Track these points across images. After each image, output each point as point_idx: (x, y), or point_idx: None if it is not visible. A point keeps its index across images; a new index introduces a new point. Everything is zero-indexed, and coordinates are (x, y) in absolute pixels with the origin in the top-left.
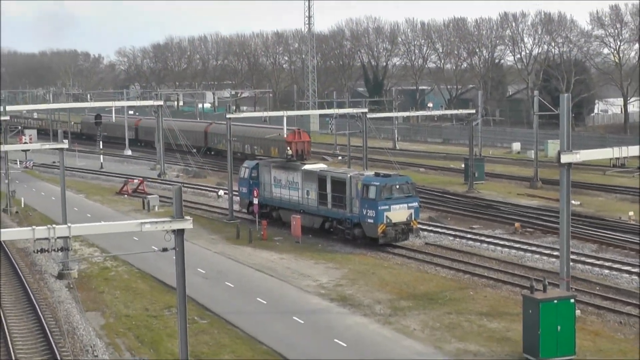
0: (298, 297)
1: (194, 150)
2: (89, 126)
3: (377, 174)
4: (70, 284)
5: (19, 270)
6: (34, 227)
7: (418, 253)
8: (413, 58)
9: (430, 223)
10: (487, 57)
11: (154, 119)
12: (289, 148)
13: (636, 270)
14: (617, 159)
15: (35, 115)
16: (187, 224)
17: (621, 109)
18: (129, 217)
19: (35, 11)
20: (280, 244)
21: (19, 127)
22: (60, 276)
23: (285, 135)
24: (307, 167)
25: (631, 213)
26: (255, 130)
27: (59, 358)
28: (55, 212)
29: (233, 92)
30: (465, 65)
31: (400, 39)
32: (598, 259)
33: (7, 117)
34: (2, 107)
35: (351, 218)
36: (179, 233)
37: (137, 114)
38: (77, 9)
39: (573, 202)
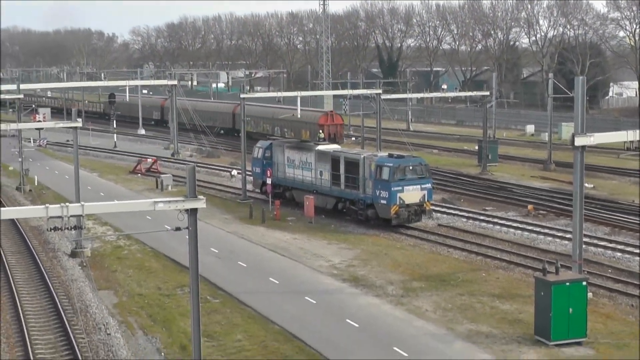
0: (310, 277)
1: (222, 132)
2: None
3: (390, 155)
4: (83, 262)
5: (32, 248)
6: (47, 205)
7: (431, 234)
8: (428, 39)
9: (443, 204)
10: (502, 39)
11: (181, 99)
12: (321, 131)
13: None
14: (632, 142)
15: (49, 93)
16: (200, 204)
17: (636, 92)
18: (142, 196)
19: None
20: (293, 224)
21: (33, 106)
22: (73, 254)
23: (298, 116)
24: (320, 147)
25: None
26: (286, 112)
27: (71, 336)
28: (68, 191)
29: (247, 72)
30: (479, 47)
31: (415, 20)
32: (610, 241)
33: (21, 96)
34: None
35: (364, 199)
36: (192, 212)
37: (150, 93)
38: None
39: (586, 184)
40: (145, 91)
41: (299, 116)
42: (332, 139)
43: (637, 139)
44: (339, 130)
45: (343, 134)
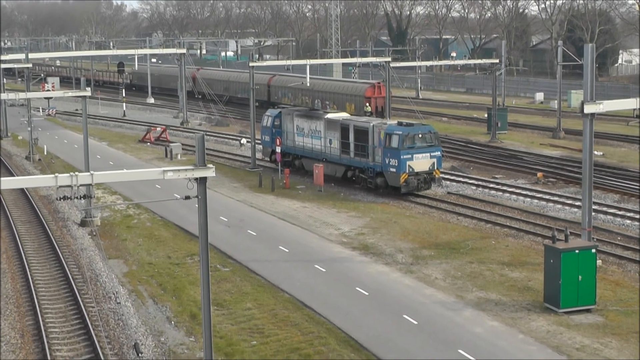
0: (320, 246)
1: (257, 104)
2: (140, 77)
3: (400, 123)
4: (93, 231)
5: (41, 218)
6: (56, 174)
7: (440, 202)
8: (437, 7)
9: (453, 172)
10: (511, 6)
11: (214, 69)
12: (367, 104)
13: None
14: None
15: (58, 62)
16: (209, 172)
17: None
18: (151, 165)
19: None
20: (303, 192)
21: (42, 75)
22: (83, 224)
23: (307, 84)
24: (329, 115)
25: None
26: (328, 84)
27: (81, 305)
28: (77, 160)
29: (256, 41)
30: (489, 14)
31: None
32: (620, 209)
33: (30, 65)
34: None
35: (374, 167)
36: (202, 181)
37: (159, 62)
38: None
39: (596, 152)
40: (154, 60)
41: (307, 84)
42: (380, 113)
43: None
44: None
45: (390, 107)
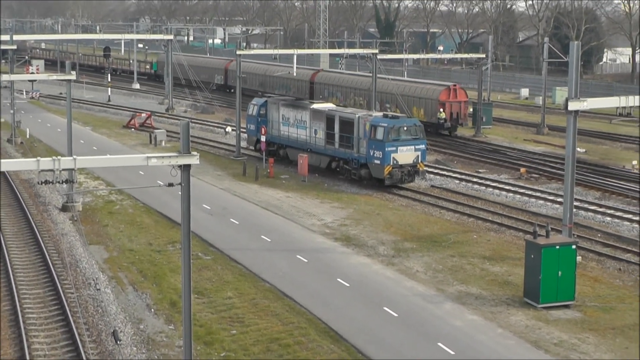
0: (302, 236)
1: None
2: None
3: (385, 115)
4: (74, 216)
5: (22, 201)
6: (38, 158)
7: (423, 195)
8: (425, 0)
9: (437, 166)
10: (498, 2)
11: (250, 62)
12: (441, 110)
13: (637, 218)
14: (624, 107)
15: (43, 45)
16: (193, 160)
17: (629, 58)
18: (135, 151)
19: None
20: (287, 182)
21: (26, 57)
22: (64, 208)
23: (294, 74)
24: (315, 106)
25: (635, 162)
26: (390, 84)
27: (60, 290)
28: (60, 144)
29: (244, 29)
30: (477, 9)
31: None
32: (601, 206)
33: (14, 47)
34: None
35: (358, 158)
36: (185, 168)
37: (147, 47)
38: None
39: (578, 149)
40: (140, 45)
41: (294, 74)
42: (455, 120)
43: (629, 105)
44: (463, 110)
45: (467, 113)
